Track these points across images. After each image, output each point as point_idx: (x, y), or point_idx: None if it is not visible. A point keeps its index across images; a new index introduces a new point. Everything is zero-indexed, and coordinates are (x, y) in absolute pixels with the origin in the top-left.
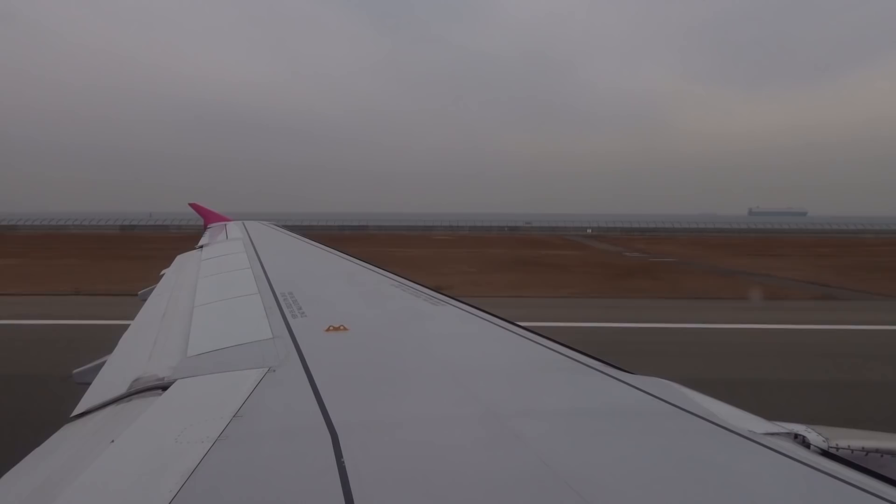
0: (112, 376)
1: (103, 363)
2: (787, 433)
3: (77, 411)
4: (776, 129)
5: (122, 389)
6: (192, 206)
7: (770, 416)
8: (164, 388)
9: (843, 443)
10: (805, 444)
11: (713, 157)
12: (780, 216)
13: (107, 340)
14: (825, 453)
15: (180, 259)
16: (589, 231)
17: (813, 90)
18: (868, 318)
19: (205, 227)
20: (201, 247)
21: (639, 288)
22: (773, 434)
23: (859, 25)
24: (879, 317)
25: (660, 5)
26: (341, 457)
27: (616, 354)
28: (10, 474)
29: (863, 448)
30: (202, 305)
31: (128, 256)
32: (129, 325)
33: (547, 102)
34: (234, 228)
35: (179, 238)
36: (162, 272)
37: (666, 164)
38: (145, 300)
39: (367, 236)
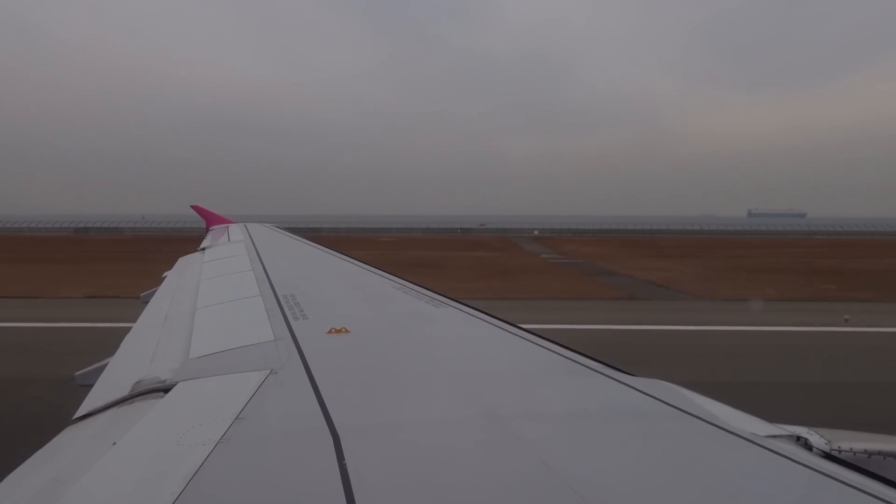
0: (114, 378)
1: (105, 365)
2: (790, 435)
3: (79, 413)
4: (776, 131)
5: (125, 392)
6: (194, 208)
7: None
8: (167, 390)
9: (845, 445)
10: (807, 446)
11: (714, 159)
12: (780, 217)
13: None
14: (827, 456)
15: (182, 261)
16: (536, 233)
17: (813, 91)
18: (618, 318)
19: (207, 230)
20: (203, 249)
21: (485, 289)
22: (775, 436)
23: (859, 26)
24: (625, 316)
25: (660, 6)
26: (343, 459)
27: None
28: (13, 476)
29: (865, 450)
30: (204, 308)
31: (35, 259)
32: (130, 328)
33: (547, 104)
34: (236, 231)
35: (118, 241)
36: (164, 274)
37: (667, 166)
38: (147, 302)
39: (314, 239)
